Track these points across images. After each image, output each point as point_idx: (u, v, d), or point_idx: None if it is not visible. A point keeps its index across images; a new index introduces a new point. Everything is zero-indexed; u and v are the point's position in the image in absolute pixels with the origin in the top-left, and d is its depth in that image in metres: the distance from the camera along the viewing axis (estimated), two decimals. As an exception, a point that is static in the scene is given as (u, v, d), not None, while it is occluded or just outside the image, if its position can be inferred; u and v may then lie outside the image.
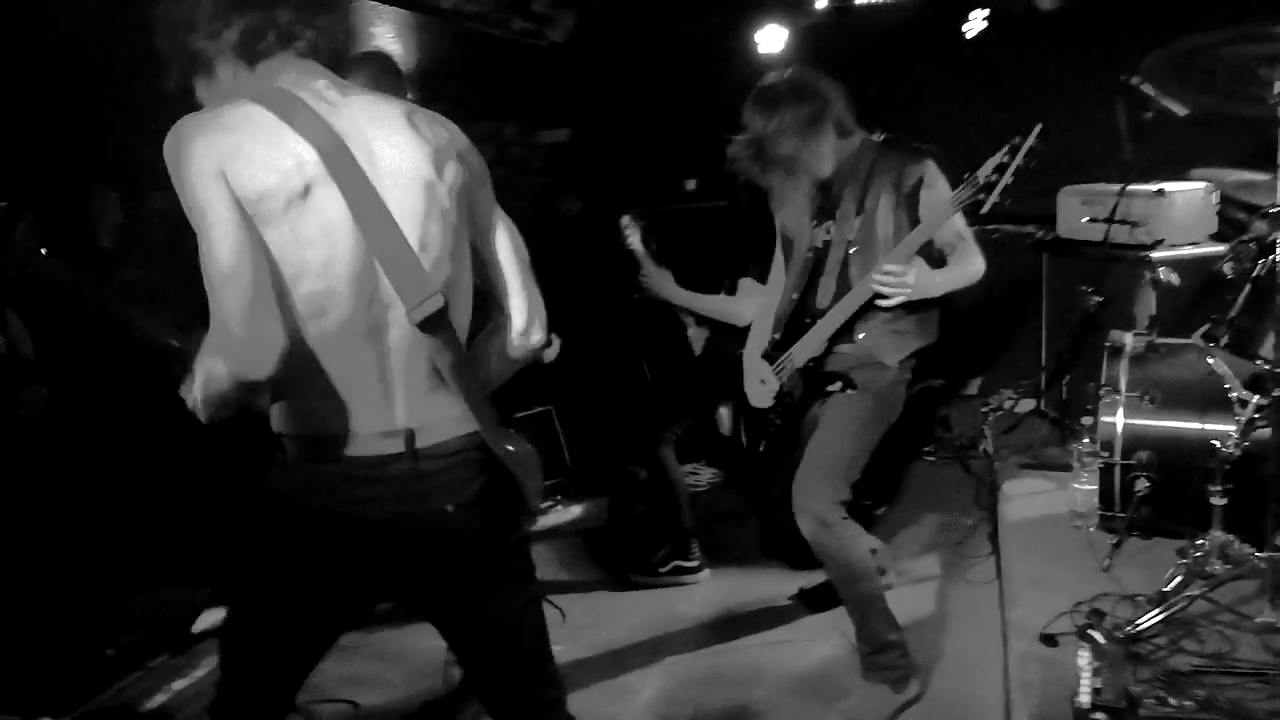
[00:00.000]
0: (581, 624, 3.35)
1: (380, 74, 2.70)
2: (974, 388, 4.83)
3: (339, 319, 1.53)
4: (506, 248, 1.72)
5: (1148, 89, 3.59)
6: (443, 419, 1.62)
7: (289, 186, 1.49)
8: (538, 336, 1.73)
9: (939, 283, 2.70)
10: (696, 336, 3.90)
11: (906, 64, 4.92)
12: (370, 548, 1.62)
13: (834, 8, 5.08)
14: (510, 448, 1.69)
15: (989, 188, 2.50)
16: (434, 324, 1.55)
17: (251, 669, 1.72)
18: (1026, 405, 4.55)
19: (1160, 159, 4.05)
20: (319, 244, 1.51)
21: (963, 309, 4.86)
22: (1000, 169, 2.49)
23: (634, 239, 3.78)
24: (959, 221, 2.75)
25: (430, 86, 4.57)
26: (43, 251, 1.89)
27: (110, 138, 3.17)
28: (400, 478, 1.59)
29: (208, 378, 1.53)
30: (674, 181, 5.11)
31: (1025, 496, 3.64)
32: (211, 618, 3.19)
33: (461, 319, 1.64)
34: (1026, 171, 2.51)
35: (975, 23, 4.70)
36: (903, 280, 2.58)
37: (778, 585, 3.48)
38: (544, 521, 4.23)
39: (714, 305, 3.66)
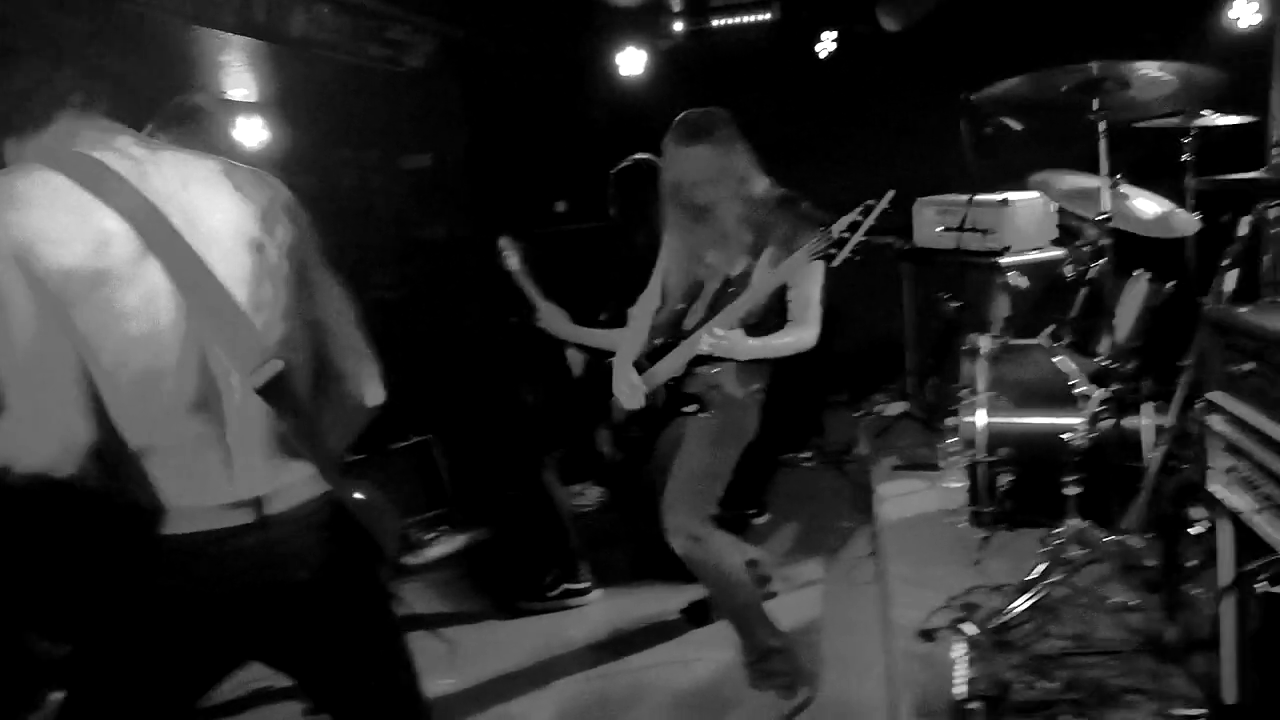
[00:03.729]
0: (470, 654, 3.29)
1: (194, 122, 2.49)
2: (845, 394, 4.98)
3: (168, 391, 1.45)
4: (337, 307, 1.65)
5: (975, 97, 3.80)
6: (291, 483, 1.56)
7: (99, 263, 1.40)
8: (375, 396, 1.68)
9: (750, 348, 2.76)
10: (574, 358, 3.90)
11: (762, 83, 5.07)
12: (225, 620, 1.55)
13: (690, 30, 5.19)
14: (360, 497, 1.64)
15: (841, 243, 2.61)
16: (274, 389, 1.49)
17: None
18: (896, 409, 4.72)
19: (1003, 170, 4.29)
20: (140, 316, 1.42)
21: (833, 319, 5.05)
22: (853, 227, 2.60)
23: (513, 260, 3.76)
24: (813, 288, 2.82)
25: (286, 116, 4.46)
26: None
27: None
28: (252, 548, 1.52)
29: None
30: (543, 204, 5.11)
31: (899, 497, 3.77)
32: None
33: (301, 380, 1.58)
34: (877, 230, 2.64)
35: (827, 43, 4.88)
36: (721, 344, 2.71)
37: (666, 601, 3.49)
38: (428, 554, 4.14)
39: (609, 339, 3.66)
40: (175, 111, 2.49)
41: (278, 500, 1.54)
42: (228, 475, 1.51)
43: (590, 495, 4.57)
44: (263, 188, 1.58)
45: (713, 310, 2.86)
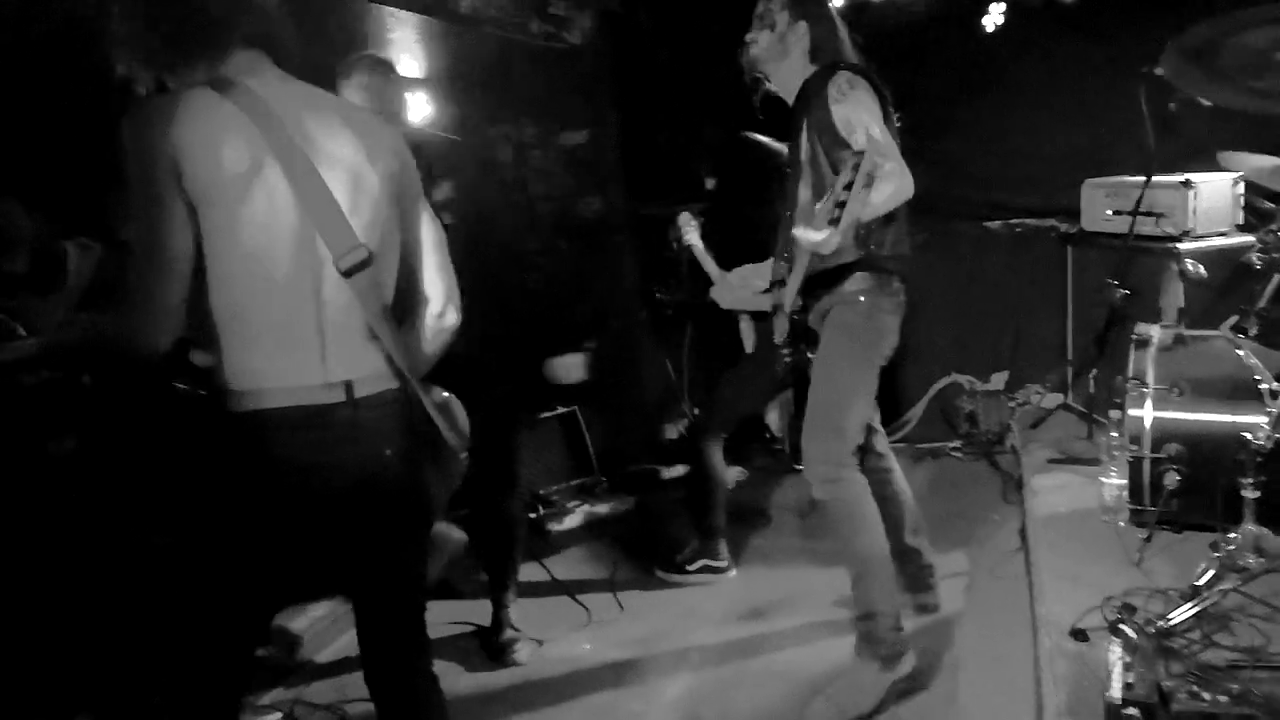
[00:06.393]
0: (607, 622, 3.37)
1: (371, 76, 2.78)
2: (1000, 382, 4.81)
3: (276, 275, 1.70)
4: (428, 236, 1.92)
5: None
6: (378, 373, 1.80)
7: (235, 161, 1.65)
8: (452, 319, 1.95)
9: (825, 237, 2.24)
10: (747, 332, 3.84)
11: (925, 59, 4.90)
12: (311, 490, 1.76)
13: (851, 5, 5.06)
14: (438, 398, 1.95)
15: (841, 204, 2.22)
16: (361, 279, 1.74)
17: (211, 623, 1.81)
18: (1054, 400, 4.53)
19: (1185, 150, 4.01)
20: (259, 207, 1.67)
21: (989, 303, 4.87)
22: (848, 186, 2.23)
23: (692, 235, 3.73)
24: (859, 112, 2.50)
25: (449, 91, 4.61)
26: None
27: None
28: (341, 424, 1.75)
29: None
30: (695, 181, 5.11)
31: (1053, 491, 3.61)
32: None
33: (387, 286, 1.83)
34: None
35: (995, 15, 4.67)
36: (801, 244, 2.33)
37: (803, 583, 3.47)
38: (570, 521, 4.24)
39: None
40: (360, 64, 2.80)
41: (365, 385, 1.78)
42: (322, 358, 1.74)
43: (731, 474, 4.57)
44: (371, 124, 1.84)
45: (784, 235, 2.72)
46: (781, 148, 3.52)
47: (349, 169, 1.76)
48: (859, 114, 2.51)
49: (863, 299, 2.67)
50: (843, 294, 2.68)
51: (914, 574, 3.21)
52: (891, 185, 2.41)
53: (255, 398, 1.72)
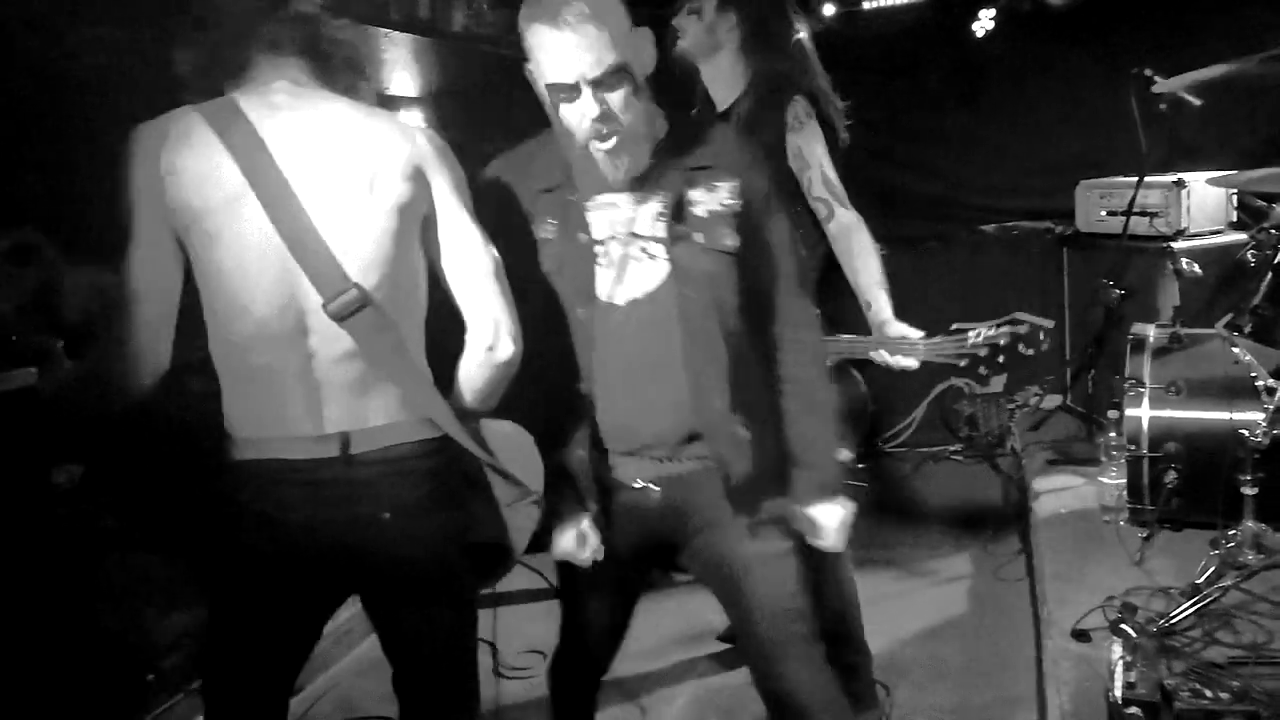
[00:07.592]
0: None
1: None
2: (998, 385, 4.82)
3: (259, 318, 1.55)
4: (465, 262, 1.66)
5: (1161, 80, 3.58)
6: (383, 425, 1.60)
7: (215, 197, 1.53)
8: (505, 351, 1.66)
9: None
10: None
11: (916, 66, 4.93)
12: (304, 550, 1.61)
13: (842, 13, 5.10)
14: (492, 440, 1.69)
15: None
16: (360, 322, 1.54)
17: (229, 681, 1.70)
18: (1052, 401, 4.53)
19: (1176, 149, 4.03)
20: (240, 247, 1.54)
21: (986, 306, 4.86)
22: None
23: None
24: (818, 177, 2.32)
25: (445, 109, 4.64)
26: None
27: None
28: (332, 482, 1.58)
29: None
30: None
31: (1054, 492, 3.62)
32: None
33: (406, 327, 1.63)
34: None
35: (984, 22, 4.70)
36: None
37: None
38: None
39: None
40: None
41: (367, 438, 1.59)
42: (314, 408, 1.58)
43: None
44: (393, 142, 1.61)
45: None
46: None
47: (346, 199, 1.56)
48: (813, 149, 2.31)
49: None
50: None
51: None
52: (863, 236, 2.32)
53: (250, 447, 1.59)
